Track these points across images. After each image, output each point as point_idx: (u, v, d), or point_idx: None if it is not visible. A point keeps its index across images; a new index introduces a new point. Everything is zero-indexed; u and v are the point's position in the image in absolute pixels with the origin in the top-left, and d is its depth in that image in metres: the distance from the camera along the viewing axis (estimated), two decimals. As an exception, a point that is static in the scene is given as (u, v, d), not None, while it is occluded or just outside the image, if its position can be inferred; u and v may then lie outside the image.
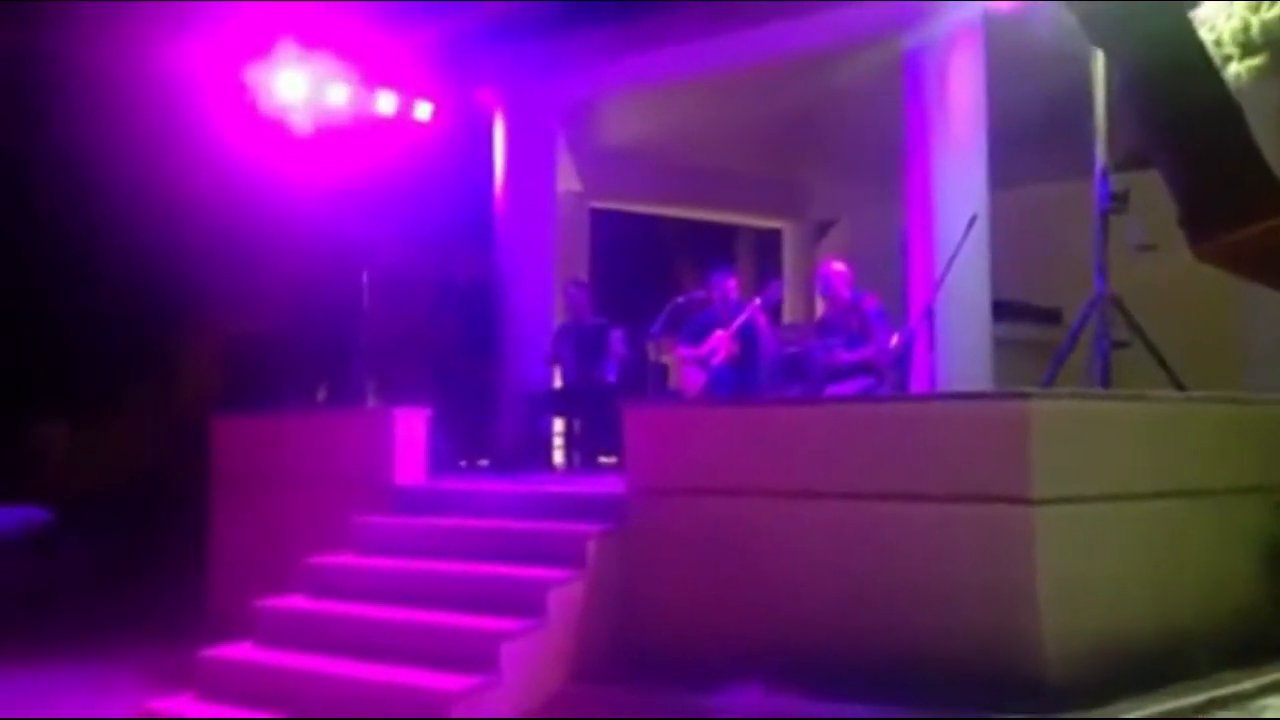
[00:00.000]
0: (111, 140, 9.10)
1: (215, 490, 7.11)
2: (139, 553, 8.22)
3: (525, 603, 4.96)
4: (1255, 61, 4.78)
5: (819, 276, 7.34)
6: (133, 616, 7.04)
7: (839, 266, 7.24)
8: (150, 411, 10.19)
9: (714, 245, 12.83)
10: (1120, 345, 5.88)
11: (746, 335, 7.34)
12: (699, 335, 7.54)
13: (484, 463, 8.71)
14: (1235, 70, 4.77)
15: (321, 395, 10.07)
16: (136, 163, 9.12)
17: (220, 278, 9.80)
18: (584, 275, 9.86)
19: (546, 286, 8.77)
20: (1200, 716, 4.18)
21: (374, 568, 5.71)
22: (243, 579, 6.17)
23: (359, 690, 4.85)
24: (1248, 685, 4.43)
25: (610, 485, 5.59)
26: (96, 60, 8.88)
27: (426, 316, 10.02)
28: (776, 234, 12.23)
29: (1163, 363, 5.85)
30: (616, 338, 7.93)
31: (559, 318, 8.76)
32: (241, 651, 5.42)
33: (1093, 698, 4.18)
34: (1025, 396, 4.48)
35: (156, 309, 10.08)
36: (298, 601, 5.63)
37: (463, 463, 8.74)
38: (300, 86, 7.77)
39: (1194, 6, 4.77)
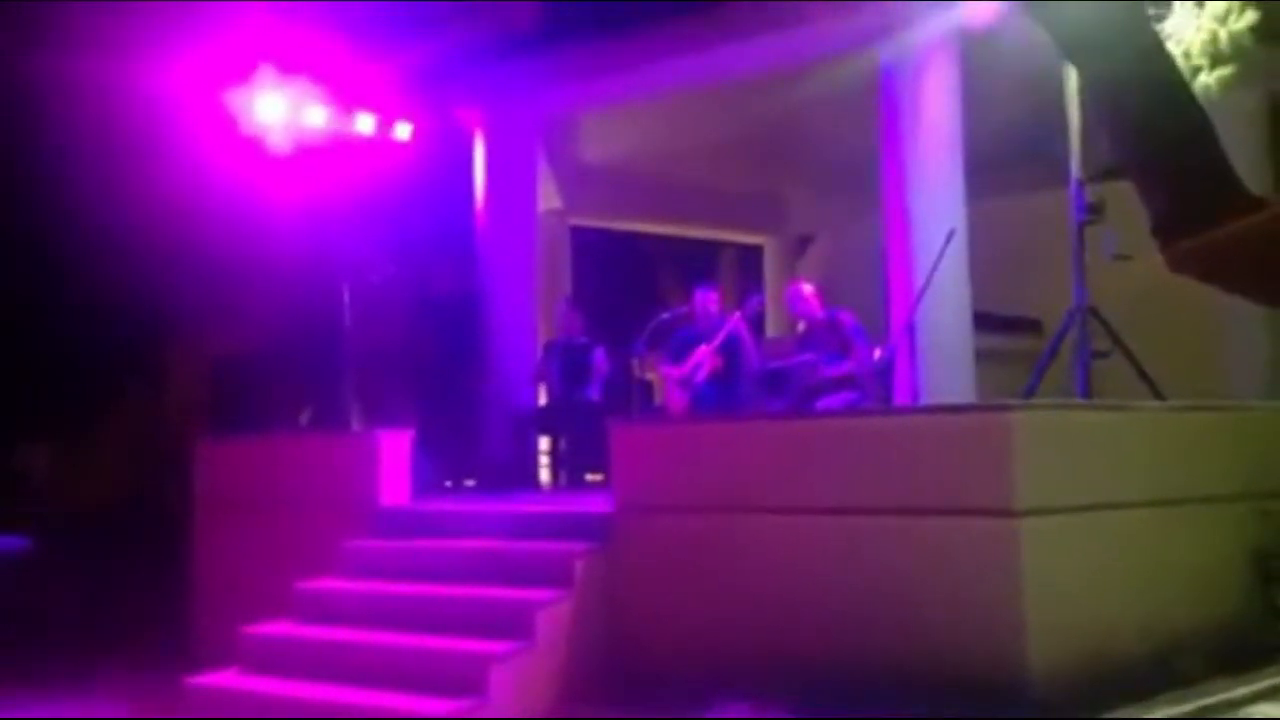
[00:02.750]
0: (95, 162, 9.08)
1: (199, 514, 7.06)
2: (123, 578, 8.15)
3: (513, 624, 4.95)
4: (1224, 72, 4.84)
5: (789, 300, 7.37)
6: (117, 643, 6.97)
7: (807, 288, 7.29)
8: (133, 434, 10.12)
9: (696, 261, 12.86)
10: (1100, 355, 5.92)
11: (729, 350, 7.36)
12: (682, 351, 7.55)
13: (470, 483, 8.69)
14: (1204, 81, 4.82)
15: (305, 417, 10.03)
16: (119, 184, 9.09)
17: (203, 299, 9.77)
18: (567, 293, 9.88)
19: (529, 305, 8.78)
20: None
21: (360, 592, 5.68)
22: (228, 604, 6.13)
23: (347, 716, 4.82)
24: (1237, 692, 4.46)
25: (597, 504, 5.58)
26: (78, 82, 8.86)
27: (409, 336, 10.01)
28: (758, 249, 12.28)
29: (1142, 372, 5.90)
30: (599, 355, 7.95)
31: (543, 336, 8.76)
32: (227, 678, 5.38)
33: (1080, 707, 4.20)
34: (1007, 408, 4.51)
35: (139, 330, 10.04)
36: (284, 627, 5.59)
37: (448, 483, 8.71)
38: (280, 109, 7.77)
39: (1163, 19, 4.83)
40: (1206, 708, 4.32)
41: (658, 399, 8.56)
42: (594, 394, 7.89)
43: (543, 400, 8.49)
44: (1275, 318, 7.29)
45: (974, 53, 6.89)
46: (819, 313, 7.12)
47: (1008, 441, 4.37)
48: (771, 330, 11.03)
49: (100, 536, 8.90)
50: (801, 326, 7.40)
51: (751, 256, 12.57)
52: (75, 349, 9.84)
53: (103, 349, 9.88)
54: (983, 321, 7.34)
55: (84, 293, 9.73)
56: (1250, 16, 4.83)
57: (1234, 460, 5.24)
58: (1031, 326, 8.67)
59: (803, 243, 12.01)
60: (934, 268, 6.17)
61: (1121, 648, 4.54)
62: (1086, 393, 5.87)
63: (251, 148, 7.86)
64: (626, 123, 9.18)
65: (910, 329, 6.16)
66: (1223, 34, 4.87)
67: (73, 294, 9.77)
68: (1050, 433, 4.58)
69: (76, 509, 9.52)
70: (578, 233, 10.42)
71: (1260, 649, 4.90)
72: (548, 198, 9.57)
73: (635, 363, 7.73)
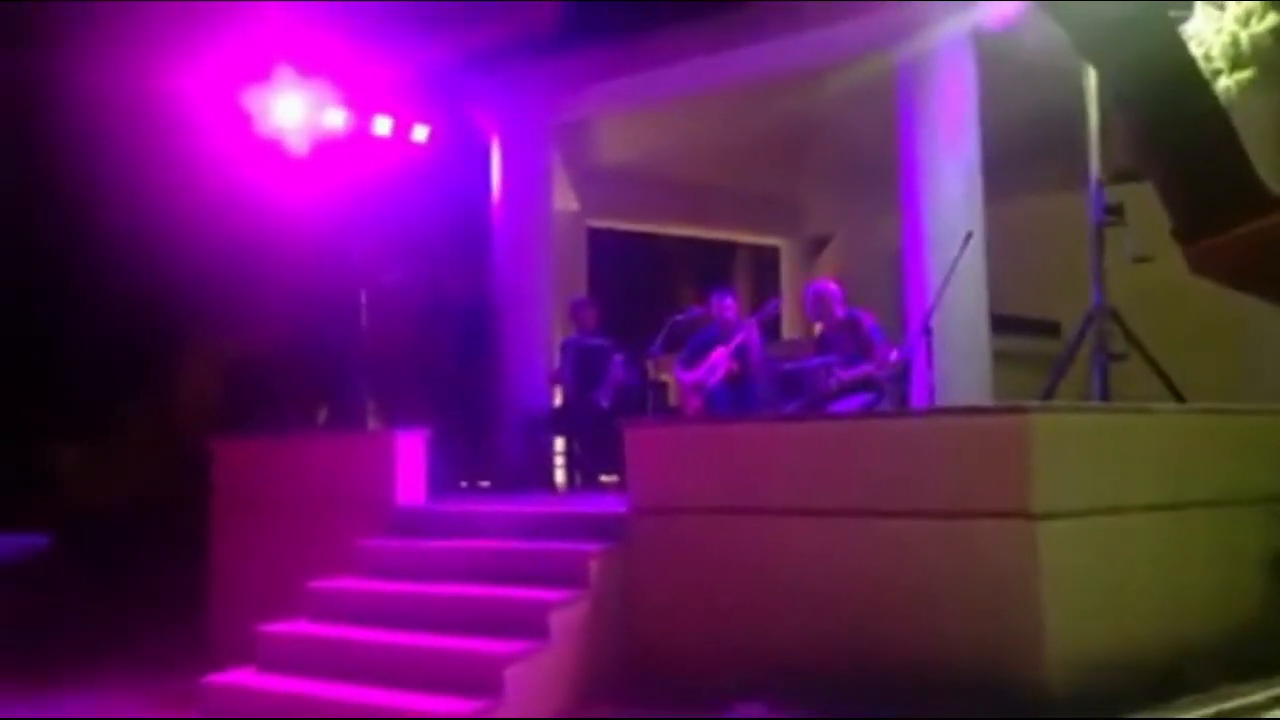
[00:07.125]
0: (112, 165, 9.14)
1: (216, 513, 7.10)
2: (141, 577, 8.19)
3: (528, 624, 4.96)
4: (1244, 75, 4.82)
5: (810, 296, 7.18)
6: (134, 642, 7.01)
7: (831, 286, 7.22)
8: (152, 434, 10.18)
9: (712, 263, 12.86)
10: (1118, 357, 5.89)
11: (745, 353, 7.35)
12: (698, 353, 7.55)
13: (485, 483, 8.70)
14: (1225, 84, 4.80)
15: (322, 417, 10.06)
16: (136, 187, 9.15)
17: (221, 300, 9.81)
18: (583, 294, 9.88)
19: (544, 306, 8.79)
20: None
21: (376, 591, 5.70)
22: (244, 603, 6.16)
23: (363, 715, 4.83)
24: (1256, 698, 4.42)
25: (611, 505, 5.59)
26: (95, 83, 8.92)
27: (425, 337, 10.04)
28: (774, 251, 12.27)
29: (1161, 374, 5.86)
30: (618, 363, 7.89)
31: (557, 337, 8.76)
32: (244, 677, 5.40)
33: (1097, 711, 4.17)
34: (1025, 410, 4.49)
35: (157, 331, 10.09)
36: (300, 626, 5.62)
37: (463, 484, 8.73)
38: (297, 111, 7.81)
39: (1183, 21, 4.80)
40: (1225, 711, 4.28)
41: (672, 400, 8.55)
42: (603, 399, 7.82)
43: (558, 401, 8.50)
44: (1296, 320, 7.23)
45: (991, 53, 6.86)
46: (839, 312, 7.06)
47: (1025, 444, 4.35)
48: (789, 332, 11.01)
49: (119, 535, 8.95)
50: (818, 329, 7.34)
51: (768, 258, 12.56)
52: (95, 350, 9.91)
53: (122, 350, 9.94)
54: (1000, 323, 7.31)
55: (103, 294, 9.79)
56: (1271, 19, 4.81)
57: (1253, 463, 5.19)
58: (1050, 328, 8.62)
59: (819, 244, 11.98)
60: (951, 269, 6.15)
61: (1139, 650, 4.51)
62: (1105, 395, 5.84)
63: (270, 149, 7.90)
64: (643, 124, 9.19)
65: (927, 331, 6.13)
66: (1244, 37, 4.85)
67: (92, 295, 9.84)
68: (1068, 435, 4.56)
69: (97, 509, 9.58)
70: (594, 234, 10.44)
71: (1278, 653, 4.86)
72: (564, 199, 9.59)
73: (650, 364, 7.73)
